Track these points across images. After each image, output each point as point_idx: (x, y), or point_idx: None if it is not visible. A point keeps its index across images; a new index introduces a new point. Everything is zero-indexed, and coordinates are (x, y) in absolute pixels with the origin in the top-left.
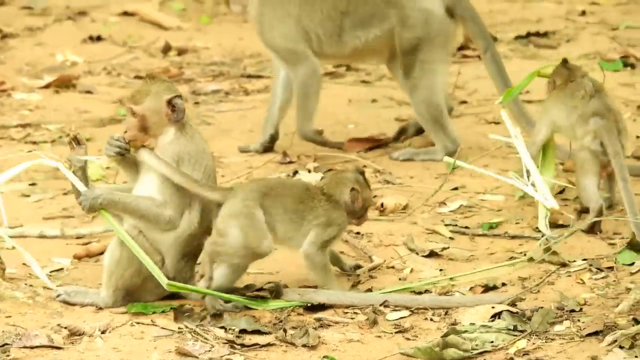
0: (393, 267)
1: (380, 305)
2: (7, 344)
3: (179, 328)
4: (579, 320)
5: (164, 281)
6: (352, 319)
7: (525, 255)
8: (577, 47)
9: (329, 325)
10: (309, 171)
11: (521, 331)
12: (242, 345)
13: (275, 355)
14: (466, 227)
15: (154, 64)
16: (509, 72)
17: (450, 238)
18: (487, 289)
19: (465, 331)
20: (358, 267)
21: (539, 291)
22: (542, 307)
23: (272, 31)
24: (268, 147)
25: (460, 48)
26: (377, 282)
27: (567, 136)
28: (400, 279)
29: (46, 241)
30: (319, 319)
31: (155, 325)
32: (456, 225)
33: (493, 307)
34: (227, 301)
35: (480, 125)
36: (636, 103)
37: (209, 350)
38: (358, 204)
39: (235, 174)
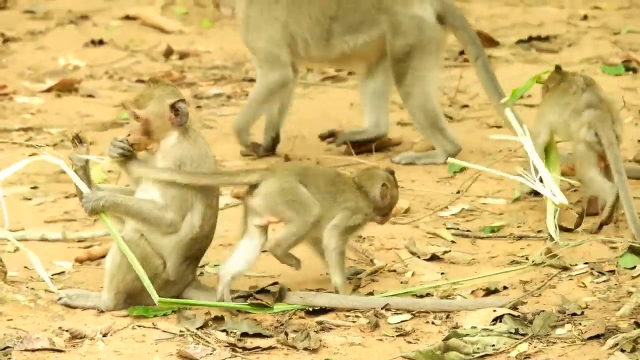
0: (395, 271)
1: (382, 308)
2: (8, 347)
3: (180, 331)
4: (580, 324)
5: (155, 297)
6: (353, 322)
7: (527, 258)
8: (578, 52)
9: (331, 329)
10: None
11: (523, 335)
12: (244, 349)
13: (276, 359)
14: (468, 231)
15: (156, 68)
16: (511, 77)
17: (452, 241)
18: (489, 292)
19: (467, 334)
20: (357, 273)
21: (540, 294)
22: (543, 311)
23: (258, 33)
24: (270, 151)
25: (462, 52)
26: (379, 285)
27: (564, 136)
28: (401, 283)
29: (48, 244)
30: (320, 322)
31: (157, 329)
32: (458, 228)
33: (494, 311)
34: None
35: (482, 129)
36: (638, 107)
37: (211, 354)
38: (386, 200)
39: None
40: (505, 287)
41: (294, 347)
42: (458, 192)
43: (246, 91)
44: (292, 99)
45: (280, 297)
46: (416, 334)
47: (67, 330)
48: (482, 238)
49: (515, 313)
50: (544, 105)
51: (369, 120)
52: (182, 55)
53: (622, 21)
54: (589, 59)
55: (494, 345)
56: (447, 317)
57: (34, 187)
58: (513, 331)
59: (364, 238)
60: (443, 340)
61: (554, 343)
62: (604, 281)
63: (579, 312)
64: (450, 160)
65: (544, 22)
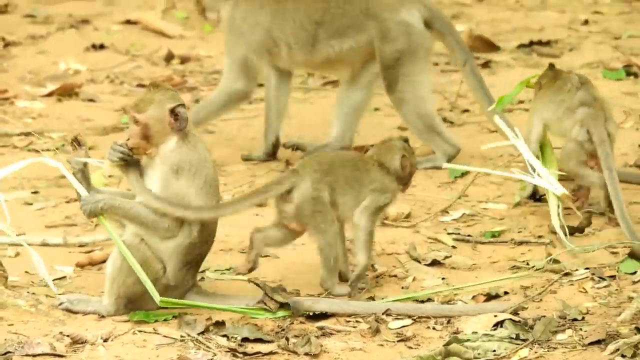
0: (395, 276)
1: (383, 313)
2: (9, 352)
3: (181, 336)
4: (581, 329)
5: (156, 297)
6: (354, 327)
7: (528, 264)
8: (579, 56)
9: (331, 334)
10: None
11: (523, 340)
12: (245, 354)
13: None
14: (469, 236)
15: (157, 72)
16: (512, 81)
17: (453, 246)
18: (490, 297)
19: (468, 340)
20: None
21: (541, 300)
22: (544, 316)
23: (240, 38)
24: (271, 155)
25: None
26: (380, 290)
27: (556, 132)
28: (402, 288)
29: (49, 249)
30: (321, 328)
31: (158, 334)
32: (459, 233)
33: (495, 316)
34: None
35: (482, 133)
36: (638, 112)
37: (211, 359)
38: (407, 170)
39: (238, 182)
40: (506, 293)
41: (295, 353)
42: (459, 197)
43: None
44: (288, 102)
45: (296, 310)
46: (417, 339)
47: (68, 335)
48: (483, 243)
49: (516, 318)
50: (538, 102)
51: (335, 130)
52: (183, 60)
53: (623, 26)
54: (590, 64)
55: (494, 351)
56: (448, 322)
57: (35, 192)
58: (514, 336)
59: None
60: (444, 345)
61: (554, 348)
62: (604, 286)
63: (579, 318)
64: (445, 165)
65: (545, 26)
